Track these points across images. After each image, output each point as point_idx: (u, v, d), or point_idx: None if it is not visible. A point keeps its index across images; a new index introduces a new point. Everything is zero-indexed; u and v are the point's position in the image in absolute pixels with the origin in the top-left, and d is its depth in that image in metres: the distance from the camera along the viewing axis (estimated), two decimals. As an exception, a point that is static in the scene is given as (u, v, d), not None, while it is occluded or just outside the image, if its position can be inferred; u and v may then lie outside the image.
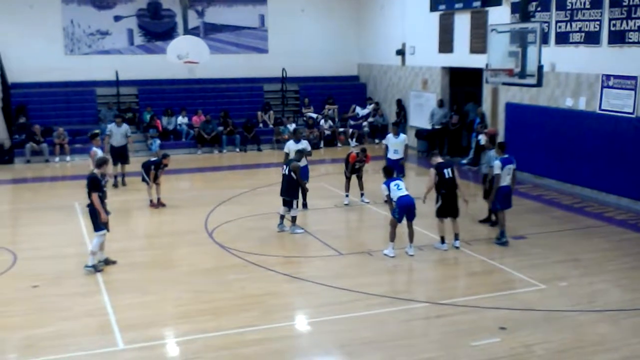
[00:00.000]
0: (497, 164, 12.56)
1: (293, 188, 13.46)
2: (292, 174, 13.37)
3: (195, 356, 8.41)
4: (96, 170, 11.45)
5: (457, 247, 12.37)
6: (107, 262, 11.51)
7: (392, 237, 11.97)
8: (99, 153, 14.91)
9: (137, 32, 24.89)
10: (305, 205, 15.12)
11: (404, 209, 11.80)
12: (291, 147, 14.91)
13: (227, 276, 11.18)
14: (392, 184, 11.87)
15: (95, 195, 11.06)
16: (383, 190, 11.99)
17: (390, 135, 16.13)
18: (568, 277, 11.03)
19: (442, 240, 12.42)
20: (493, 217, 13.63)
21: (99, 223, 11.16)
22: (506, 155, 12.73)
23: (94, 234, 11.27)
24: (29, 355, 8.40)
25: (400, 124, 19.80)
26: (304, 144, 15.15)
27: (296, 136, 15.57)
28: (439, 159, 12.62)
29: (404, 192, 11.85)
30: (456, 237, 12.46)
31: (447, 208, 12.37)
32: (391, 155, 15.68)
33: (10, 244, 12.81)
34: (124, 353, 8.50)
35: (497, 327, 9.08)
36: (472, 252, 12.31)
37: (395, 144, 15.79)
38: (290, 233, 13.46)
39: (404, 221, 11.95)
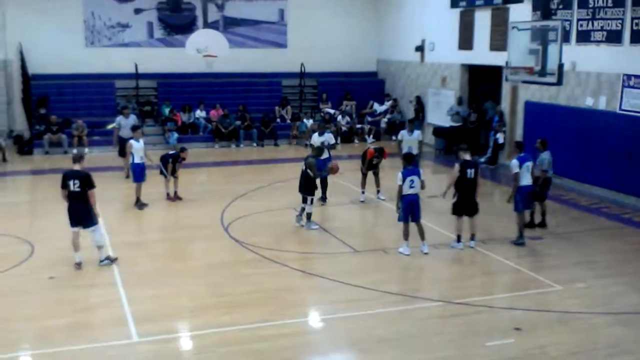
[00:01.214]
0: (514, 162, 12.46)
1: (309, 184, 13.43)
2: (309, 170, 13.34)
3: (209, 350, 8.44)
4: (78, 167, 11.11)
5: (472, 247, 12.29)
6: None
7: (406, 235, 11.92)
8: (135, 145, 15.02)
9: (157, 25, 24.94)
10: (324, 199, 15.11)
11: (407, 206, 11.75)
12: (315, 139, 14.90)
13: (242, 271, 11.22)
14: (408, 179, 11.77)
15: (92, 192, 10.98)
16: (398, 179, 11.82)
17: (404, 132, 16.03)
18: (585, 279, 10.93)
19: (458, 239, 12.34)
20: (536, 220, 13.45)
21: (94, 218, 11.10)
22: (522, 154, 12.64)
23: (90, 229, 11.14)
24: (44, 346, 8.47)
25: (417, 121, 19.58)
26: (327, 137, 15.14)
27: (320, 128, 15.60)
28: (467, 157, 12.43)
29: (413, 192, 11.78)
30: (472, 237, 12.38)
31: (464, 205, 12.28)
32: None
33: (28, 235, 12.90)
34: (138, 345, 8.55)
35: (511, 328, 9.04)
36: (488, 251, 12.24)
37: (409, 141, 15.69)
38: (305, 229, 13.46)
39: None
